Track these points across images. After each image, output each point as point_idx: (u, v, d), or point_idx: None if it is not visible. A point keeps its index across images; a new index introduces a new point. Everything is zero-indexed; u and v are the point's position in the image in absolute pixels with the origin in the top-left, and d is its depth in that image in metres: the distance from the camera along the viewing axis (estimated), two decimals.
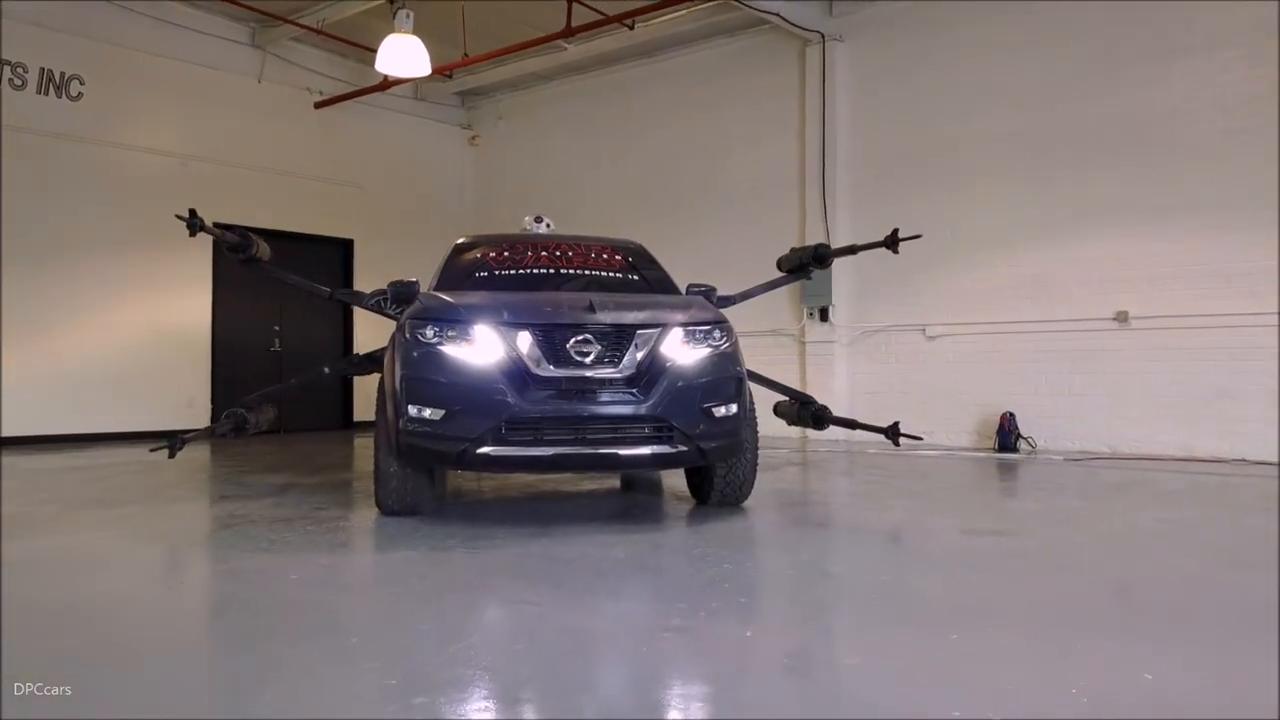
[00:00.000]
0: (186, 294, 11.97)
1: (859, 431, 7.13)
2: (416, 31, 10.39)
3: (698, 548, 4.30)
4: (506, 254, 6.33)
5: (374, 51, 10.62)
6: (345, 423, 13.43)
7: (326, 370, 7.39)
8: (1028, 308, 9.87)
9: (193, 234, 6.05)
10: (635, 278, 6.35)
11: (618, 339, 4.91)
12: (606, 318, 4.94)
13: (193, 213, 6.02)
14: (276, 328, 12.86)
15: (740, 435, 5.19)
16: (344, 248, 13.64)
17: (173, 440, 5.90)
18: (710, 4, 10.78)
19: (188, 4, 11.76)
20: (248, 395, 7.20)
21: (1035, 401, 9.80)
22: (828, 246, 7.74)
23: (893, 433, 6.50)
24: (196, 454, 9.09)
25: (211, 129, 12.12)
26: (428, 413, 4.81)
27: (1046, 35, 9.81)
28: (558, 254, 6.36)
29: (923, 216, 10.48)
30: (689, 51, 12.44)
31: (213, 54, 12.06)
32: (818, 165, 11.23)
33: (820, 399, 10.73)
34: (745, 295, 7.98)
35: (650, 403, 4.78)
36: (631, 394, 4.81)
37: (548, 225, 8.01)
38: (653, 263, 6.69)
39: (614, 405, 4.77)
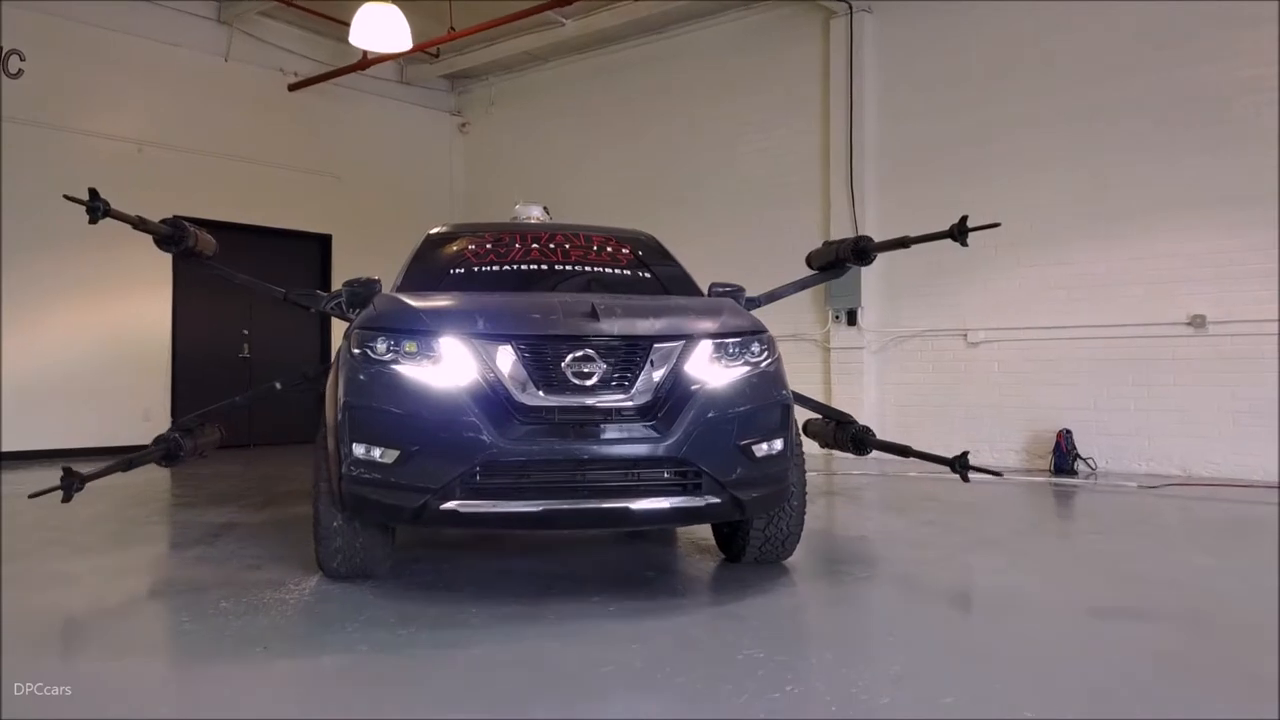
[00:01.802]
0: (144, 295, 10.79)
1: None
2: (397, 4, 9.25)
3: (742, 647, 3.12)
4: (489, 246, 5.17)
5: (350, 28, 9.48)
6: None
7: (279, 386, 6.23)
8: (1084, 311, 8.71)
9: (94, 220, 4.86)
10: (647, 275, 5.18)
11: (628, 355, 3.75)
12: (614, 327, 3.78)
13: (93, 194, 4.86)
14: (245, 332, 11.70)
15: (787, 480, 4.03)
16: (321, 244, 12.48)
17: (68, 480, 4.72)
18: None
19: None
20: (189, 415, 6.10)
21: (1094, 417, 8.65)
22: (870, 239, 6.58)
23: (960, 465, 5.33)
24: (139, 476, 7.91)
25: (172, 112, 10.96)
26: (377, 454, 3.65)
27: (1103, 5, 8.64)
28: (552, 246, 5.19)
29: (963, 208, 9.26)
30: (699, 27, 11.27)
31: (174, 29, 10.90)
32: (844, 152, 10.07)
33: (846, 411, 9.71)
34: (771, 296, 6.85)
35: (672, 440, 3.62)
36: (647, 428, 3.65)
37: (544, 212, 6.88)
38: (668, 258, 5.54)
39: (624, 444, 3.61)
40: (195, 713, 2.66)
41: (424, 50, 11.03)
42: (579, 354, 3.68)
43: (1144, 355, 8.42)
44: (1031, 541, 5.41)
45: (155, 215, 10.57)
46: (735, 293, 5.32)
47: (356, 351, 3.85)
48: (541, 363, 3.67)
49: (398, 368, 3.73)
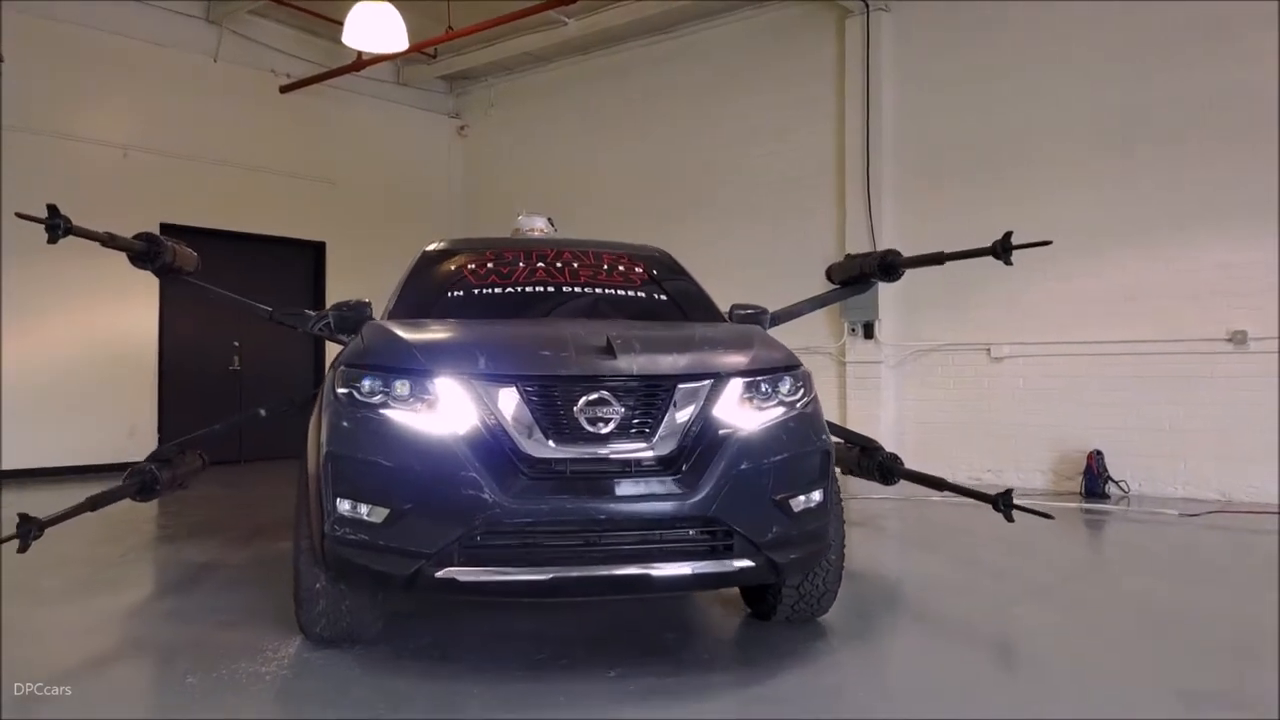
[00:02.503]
0: (129, 305, 10.32)
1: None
2: (393, 3, 8.79)
3: None
4: (490, 265, 4.73)
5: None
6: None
7: (263, 413, 5.79)
8: (1115, 325, 8.27)
9: (53, 239, 4.40)
10: (662, 297, 4.73)
11: (649, 398, 3.31)
12: (633, 364, 3.34)
13: (52, 211, 4.38)
14: (236, 343, 11.23)
15: (827, 537, 3.59)
16: (314, 251, 12.01)
17: (24, 528, 4.25)
18: None
19: None
20: (166, 444, 5.67)
21: (1126, 437, 8.20)
22: (899, 254, 6.16)
23: (1004, 505, 4.88)
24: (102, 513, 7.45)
25: (159, 115, 10.50)
26: (364, 511, 3.21)
27: (1138, 16, 8.20)
28: (558, 266, 4.75)
29: (986, 216, 8.92)
30: (707, 26, 10.81)
31: (160, 28, 10.44)
32: (860, 156, 9.62)
33: (863, 429, 9.22)
34: (790, 313, 6.42)
35: (699, 496, 3.18)
36: (670, 482, 3.21)
37: (548, 224, 6.45)
38: (684, 276, 5.09)
39: (644, 501, 3.16)
40: None
41: (421, 51, 10.58)
42: (593, 397, 3.24)
43: (1180, 373, 7.98)
44: (1084, 588, 4.97)
45: (141, 224, 10.24)
46: (758, 315, 4.90)
47: (342, 392, 3.41)
48: (550, 407, 3.23)
49: (387, 413, 3.28)
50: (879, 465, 5.70)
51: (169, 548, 5.93)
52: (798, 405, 3.54)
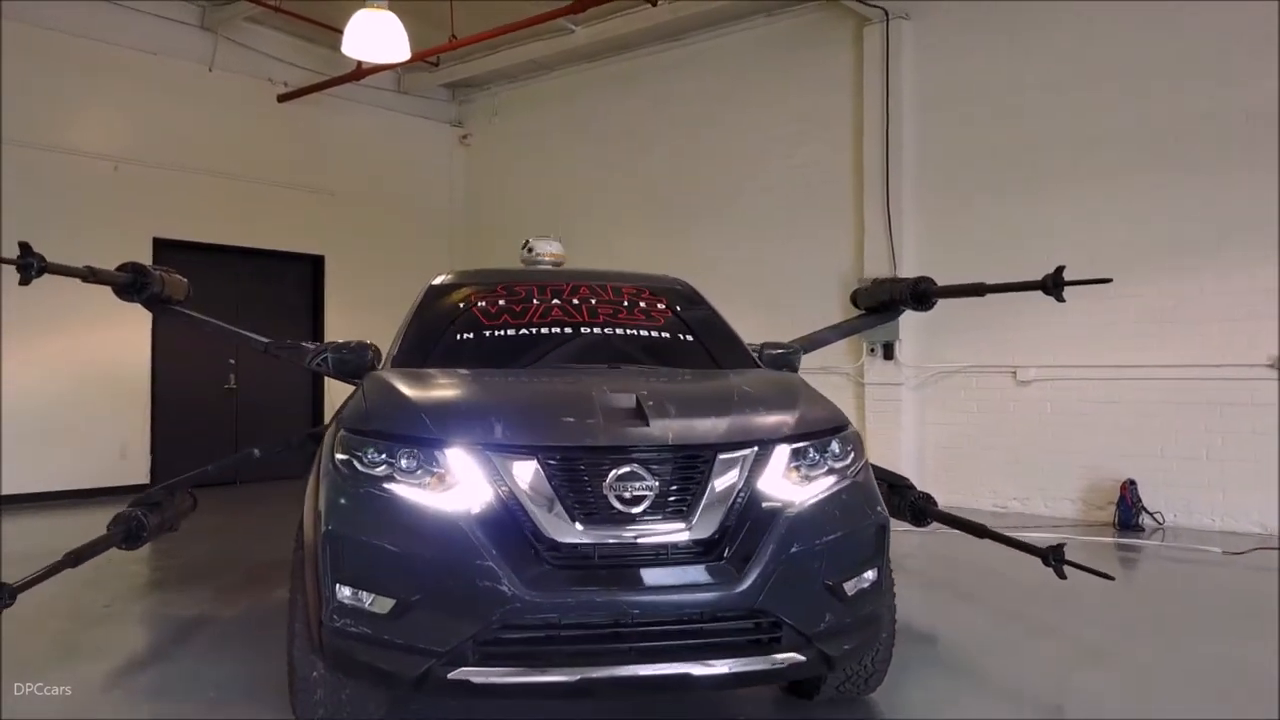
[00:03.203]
0: (121, 322, 9.84)
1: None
2: (394, 11, 8.41)
3: None
4: (501, 302, 4.36)
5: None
6: (309, 467, 11.40)
7: (257, 454, 5.44)
8: (1149, 349, 7.91)
9: (25, 280, 4.04)
10: (689, 338, 4.37)
11: (686, 470, 2.95)
12: (668, 431, 2.99)
13: (25, 249, 4.03)
14: (232, 361, 10.86)
15: (882, 619, 3.24)
16: (313, 265, 11.65)
17: None
18: None
19: None
20: (155, 487, 5.32)
21: (1160, 465, 7.85)
22: (932, 282, 5.81)
23: (1055, 560, 4.52)
24: (94, 531, 7.08)
25: (151, 126, 10.13)
26: (368, 601, 2.85)
27: (1170, 5, 7.84)
28: (575, 303, 4.39)
29: (1012, 233, 8.62)
30: (719, 34, 10.45)
31: (152, 36, 10.07)
32: (879, 169, 9.26)
33: (882, 453, 8.89)
34: (816, 342, 6.11)
35: (745, 585, 2.82)
36: (712, 569, 2.85)
37: (557, 247, 6.09)
38: (709, 311, 4.72)
39: (683, 592, 2.81)
40: None
41: (423, 59, 10.21)
42: (624, 471, 2.88)
43: (1218, 399, 7.62)
44: (1145, 647, 4.60)
45: (134, 239, 9.94)
46: (790, 356, 4.55)
47: (341, 460, 3.05)
48: (576, 483, 2.87)
49: (392, 488, 2.92)
50: (910, 505, 5.36)
51: (157, 596, 5.57)
52: (850, 473, 3.19)
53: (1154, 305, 7.92)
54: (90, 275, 4.66)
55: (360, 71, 10.19)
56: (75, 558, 4.42)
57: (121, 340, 9.94)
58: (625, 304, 4.47)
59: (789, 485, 3.03)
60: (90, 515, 9.12)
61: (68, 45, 9.44)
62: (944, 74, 9.02)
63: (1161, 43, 7.89)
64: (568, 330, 4.20)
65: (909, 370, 9.12)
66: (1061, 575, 4.54)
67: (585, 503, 2.86)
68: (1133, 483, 7.81)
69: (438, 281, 4.76)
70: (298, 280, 11.59)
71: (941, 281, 5.87)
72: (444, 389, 3.41)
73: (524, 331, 4.16)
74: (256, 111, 10.96)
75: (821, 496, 3.05)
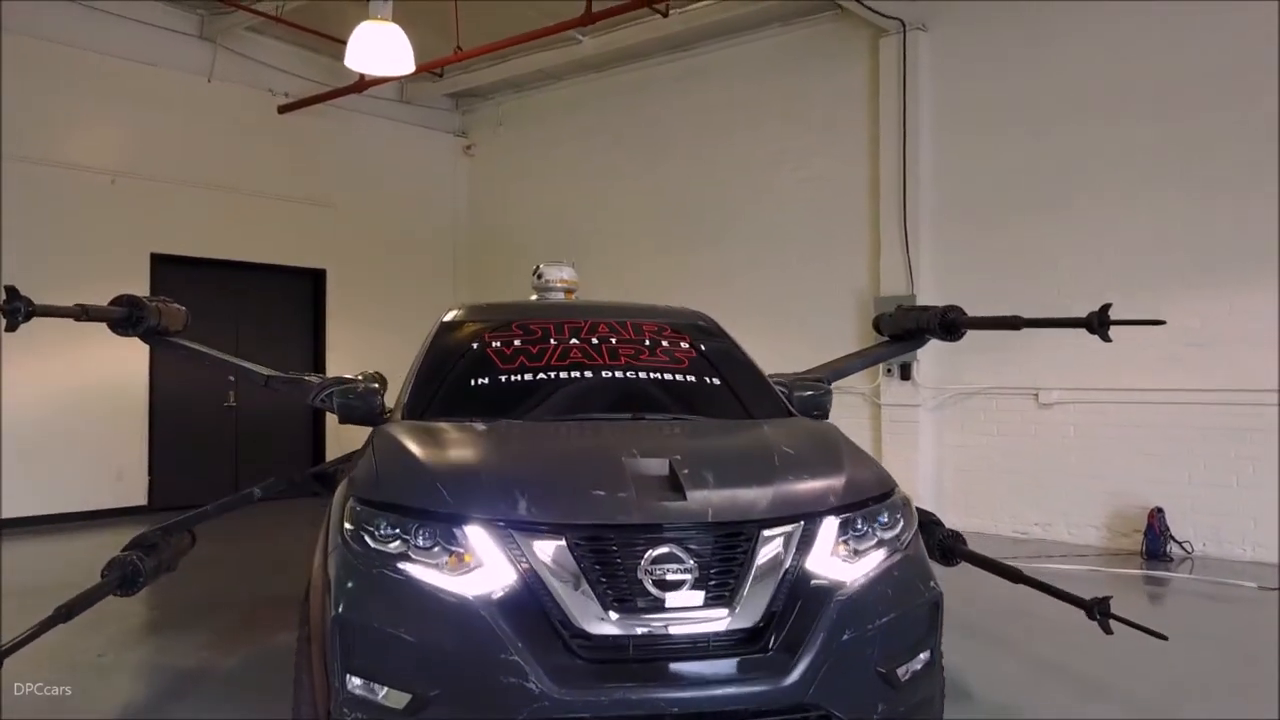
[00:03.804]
0: (118, 340, 9.64)
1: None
2: (399, 20, 8.17)
3: None
4: (517, 343, 4.13)
5: (346, 44, 8.41)
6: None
7: (258, 493, 5.20)
8: (1177, 372, 7.68)
9: (12, 326, 3.80)
10: (715, 381, 4.13)
11: (727, 549, 2.72)
12: (707, 505, 2.75)
13: (11, 292, 3.79)
14: (231, 378, 10.56)
15: (935, 700, 3.00)
16: (314, 279, 11.42)
17: None
18: None
19: None
20: (151, 529, 5.07)
21: (1189, 492, 7.62)
22: (962, 311, 5.58)
23: (1100, 613, 4.29)
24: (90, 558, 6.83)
25: (149, 139, 9.90)
26: (381, 694, 2.62)
27: (1200, 18, 7.60)
28: (594, 342, 4.15)
29: (1034, 251, 8.41)
30: (732, 44, 10.21)
31: (150, 47, 9.83)
32: (895, 185, 9.03)
33: (899, 475, 8.62)
34: (838, 373, 5.88)
35: (794, 679, 2.59)
36: (758, 661, 2.61)
37: (569, 273, 5.87)
38: (732, 349, 4.48)
39: (726, 686, 2.57)
40: None
41: (428, 70, 9.96)
42: (660, 552, 2.65)
43: (1247, 424, 7.39)
44: (1201, 708, 4.36)
45: (130, 254, 9.71)
46: (821, 397, 4.30)
47: (351, 532, 2.82)
48: (608, 566, 2.64)
49: (408, 568, 2.69)
50: (939, 544, 5.15)
51: (153, 643, 5.33)
52: (901, 544, 2.96)
53: (1180, 327, 7.62)
54: (83, 314, 4.43)
55: (363, 83, 9.96)
56: (67, 611, 4.18)
57: (118, 358, 9.66)
58: (647, 343, 4.24)
59: (838, 562, 2.80)
60: (85, 540, 8.94)
61: (62, 56, 9.20)
62: (963, 87, 8.79)
63: (1188, 57, 7.66)
64: (588, 374, 3.97)
65: (927, 391, 8.88)
66: (1107, 630, 4.30)
67: (618, 587, 2.62)
68: (1160, 510, 7.58)
69: (449, 318, 4.51)
70: (298, 295, 11.36)
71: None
72: (461, 451, 3.16)
73: (541, 376, 3.93)
74: (256, 123, 10.73)
75: (873, 574, 2.82)
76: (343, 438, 9.79)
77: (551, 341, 4.15)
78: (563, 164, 11.80)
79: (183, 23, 10.07)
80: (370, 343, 11.50)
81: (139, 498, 9.78)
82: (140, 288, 9.73)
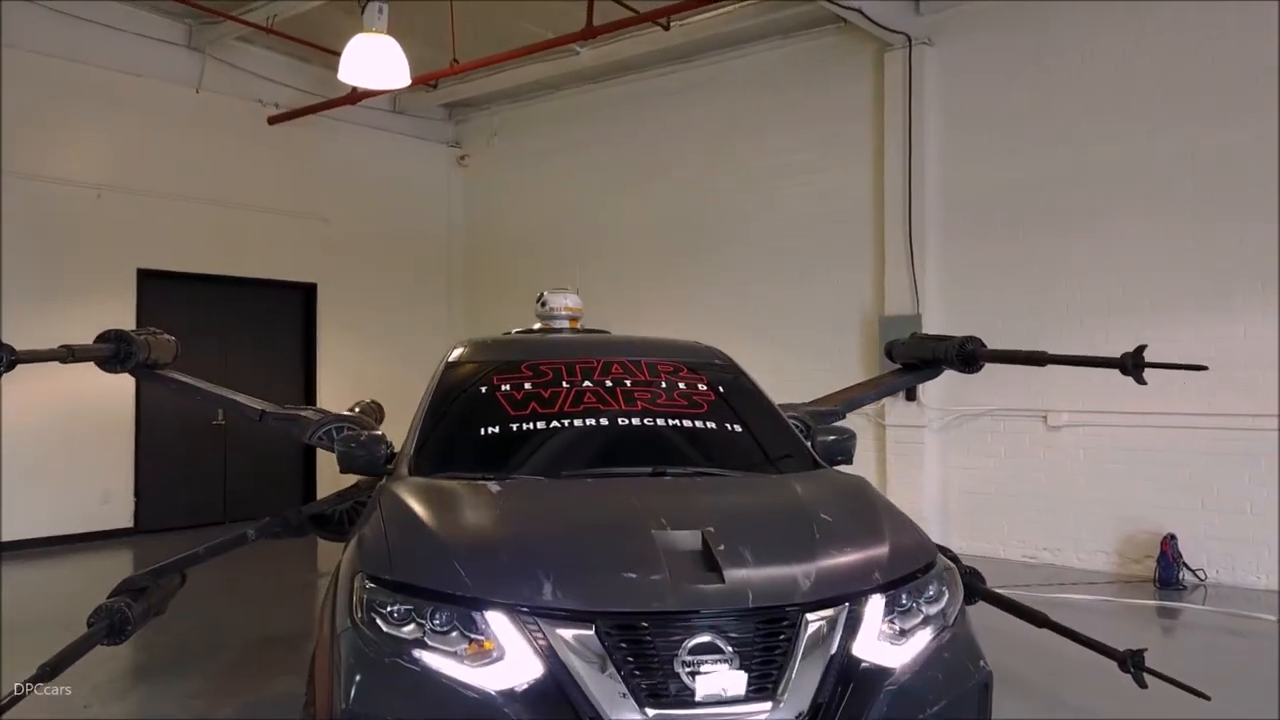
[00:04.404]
0: None
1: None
2: (392, 30, 7.96)
3: None
4: (528, 387, 3.92)
5: (339, 56, 8.19)
6: (306, 503, 10.90)
7: (252, 535, 4.99)
8: (1189, 396, 7.53)
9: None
10: (737, 428, 3.94)
11: (769, 635, 2.53)
12: (746, 586, 2.57)
13: None
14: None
15: None
16: (305, 294, 11.18)
17: None
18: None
19: None
20: (140, 572, 4.85)
21: (1202, 518, 7.49)
22: (981, 343, 5.41)
23: (1134, 666, 4.12)
24: (86, 601, 6.57)
25: (135, 151, 9.65)
26: None
27: (1213, 34, 7.46)
28: (608, 385, 3.95)
29: (1041, 270, 8.28)
30: (733, 56, 10.03)
31: (136, 56, 9.58)
32: (900, 201, 8.86)
33: (904, 497, 8.49)
34: (853, 402, 5.73)
35: None
36: None
37: (574, 300, 5.67)
38: (749, 387, 4.29)
39: None
40: None
41: (423, 83, 9.73)
42: (698, 641, 2.45)
43: (1262, 450, 7.26)
44: None
45: (116, 270, 9.46)
46: (846, 442, 4.11)
47: (361, 615, 2.61)
48: (642, 657, 2.44)
49: (424, 657, 2.49)
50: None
51: (142, 690, 5.10)
52: (948, 620, 2.78)
53: (1193, 351, 7.49)
54: (69, 355, 4.23)
55: (356, 95, 9.72)
56: (51, 669, 3.96)
57: (103, 378, 9.22)
58: (663, 385, 4.04)
59: (885, 645, 2.61)
60: (71, 567, 8.68)
61: (45, 67, 8.95)
62: (970, 103, 8.63)
63: (1200, 76, 7.52)
64: (603, 421, 3.77)
65: (933, 412, 8.72)
66: (1142, 684, 4.14)
67: (653, 680, 2.43)
68: (1173, 537, 7.44)
69: (454, 357, 4.30)
70: (289, 310, 11.13)
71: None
72: (478, 522, 2.94)
73: (555, 425, 3.73)
74: (246, 134, 10.49)
75: (922, 657, 2.64)
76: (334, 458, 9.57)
77: (564, 384, 3.95)
78: (559, 176, 11.60)
79: (170, 32, 9.81)
80: (363, 358, 11.30)
81: (125, 520, 9.54)
82: (127, 304, 9.52)
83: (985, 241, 8.54)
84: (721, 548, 2.65)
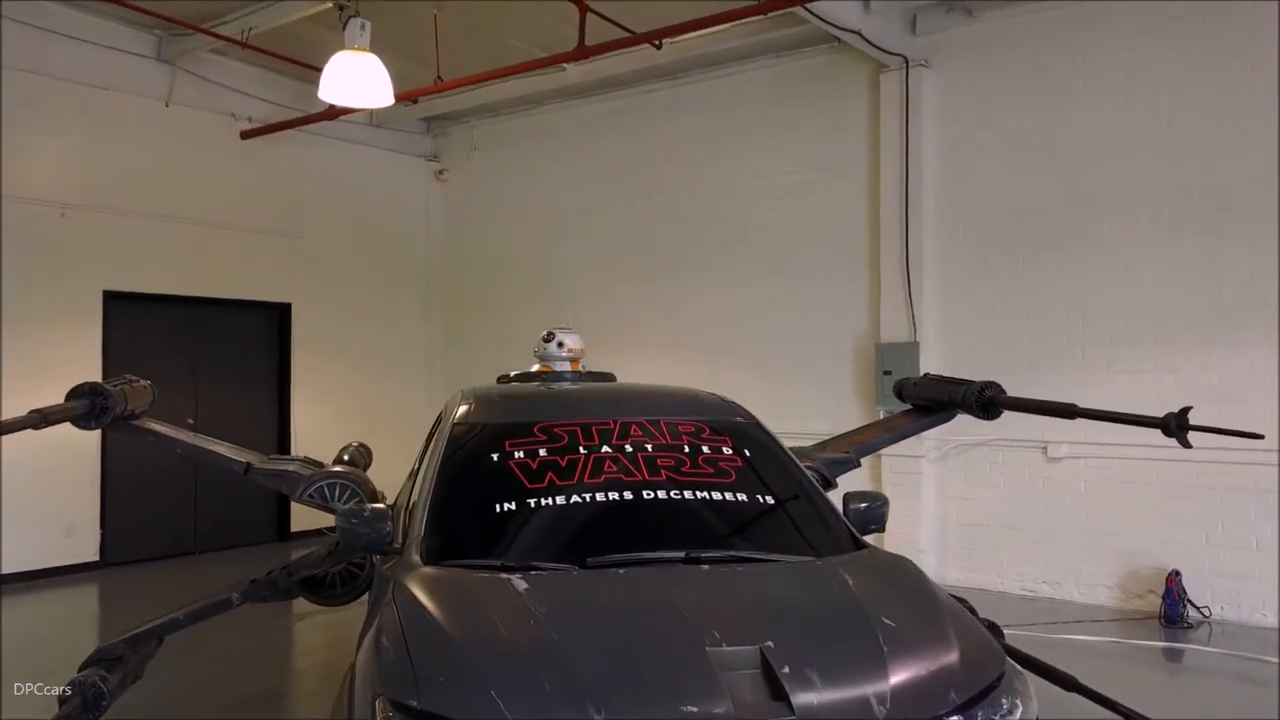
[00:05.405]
0: (65, 381, 8.87)
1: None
2: (373, 44, 7.63)
3: None
4: (543, 454, 3.65)
5: (316, 70, 7.88)
6: (280, 533, 10.59)
7: (236, 599, 4.67)
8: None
9: None
10: (768, 499, 3.69)
11: None
12: (820, 717, 2.30)
13: None
14: (190, 420, 9.91)
15: None
16: (279, 314, 10.80)
17: None
18: (768, 17, 8.12)
19: (67, 3, 8.82)
20: (114, 640, 4.52)
21: (1207, 553, 7.37)
22: (1001, 389, 5.23)
23: None
24: (56, 648, 6.19)
25: (101, 168, 9.25)
26: None
27: (1214, 56, 7.35)
28: (628, 450, 3.69)
29: (1041, 296, 8.14)
30: (722, 74, 9.79)
31: (103, 69, 9.17)
32: (897, 224, 8.67)
33: (901, 528, 8.28)
34: (863, 447, 5.51)
35: None
36: None
37: (575, 340, 5.44)
38: (779, 457, 4.04)
39: None
40: None
41: (406, 100, 9.39)
42: None
43: (1268, 485, 7.13)
44: None
45: (81, 292, 9.05)
46: (879, 509, 3.88)
47: None
48: None
49: None
50: None
51: None
52: None
53: (1197, 381, 7.40)
54: (41, 421, 3.90)
55: (334, 111, 9.38)
56: None
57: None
58: (686, 450, 3.79)
59: None
60: (33, 605, 8.24)
61: (8, 80, 8.51)
62: (968, 126, 8.47)
63: (1205, 101, 7.40)
64: (627, 495, 3.51)
65: (930, 442, 8.52)
66: None
67: None
68: (1178, 574, 7.31)
69: (460, 416, 4.01)
70: (263, 331, 10.76)
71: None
72: (510, 634, 2.64)
73: (576, 499, 3.46)
74: (218, 149, 10.11)
75: None
76: None
77: (580, 450, 3.69)
78: (540, 191, 11.30)
79: (138, 44, 9.41)
80: (339, 380, 10.97)
81: (90, 554, 9.15)
82: (92, 328, 9.15)
83: (984, 267, 8.38)
84: (786, 670, 2.40)
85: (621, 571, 3.09)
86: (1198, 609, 7.26)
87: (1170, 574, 7.30)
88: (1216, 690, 6.10)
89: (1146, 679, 6.31)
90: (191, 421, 9.89)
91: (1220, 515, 7.32)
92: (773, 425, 4.36)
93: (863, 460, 5.45)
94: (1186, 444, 4.46)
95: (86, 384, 4.39)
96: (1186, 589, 7.28)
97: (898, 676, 2.51)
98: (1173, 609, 7.23)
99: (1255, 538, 7.20)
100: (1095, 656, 6.42)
